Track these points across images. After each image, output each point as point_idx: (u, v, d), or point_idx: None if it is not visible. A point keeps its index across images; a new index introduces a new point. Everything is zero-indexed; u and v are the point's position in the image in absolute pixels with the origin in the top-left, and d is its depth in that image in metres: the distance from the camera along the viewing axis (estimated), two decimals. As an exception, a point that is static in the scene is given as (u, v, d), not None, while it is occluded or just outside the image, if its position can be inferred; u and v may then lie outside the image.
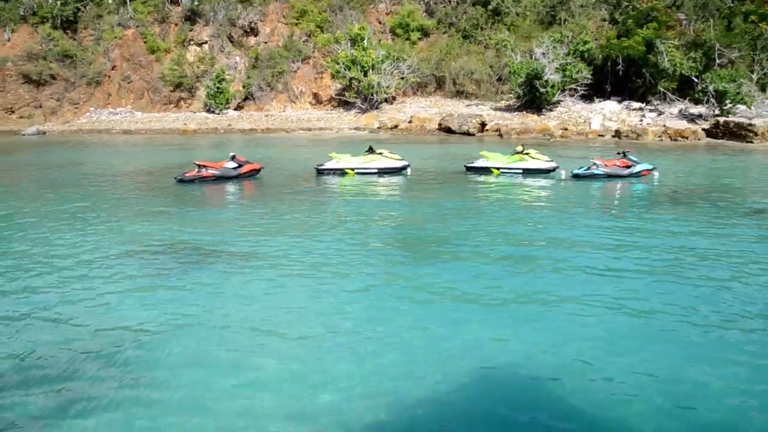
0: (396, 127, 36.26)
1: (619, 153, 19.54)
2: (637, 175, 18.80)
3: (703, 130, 31.08)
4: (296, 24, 46.16)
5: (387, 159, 19.52)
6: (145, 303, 8.42)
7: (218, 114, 43.15)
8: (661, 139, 30.74)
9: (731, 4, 37.54)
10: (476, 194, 16.67)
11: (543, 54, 34.75)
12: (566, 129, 32.58)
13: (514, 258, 10.23)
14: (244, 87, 44.87)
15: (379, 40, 41.60)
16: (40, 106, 46.70)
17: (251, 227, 12.54)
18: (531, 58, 35.78)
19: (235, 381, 6.37)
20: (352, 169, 19.52)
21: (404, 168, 19.61)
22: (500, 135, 32.68)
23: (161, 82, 46.22)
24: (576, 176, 18.90)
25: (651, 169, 19.04)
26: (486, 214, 13.69)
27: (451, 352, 6.90)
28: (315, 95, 44.15)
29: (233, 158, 18.88)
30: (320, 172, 19.82)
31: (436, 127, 35.32)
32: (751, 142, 29.12)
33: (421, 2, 45.88)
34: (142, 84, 47.35)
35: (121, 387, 6.24)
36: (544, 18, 42.31)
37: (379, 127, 36.62)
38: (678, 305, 8.03)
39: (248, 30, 46.71)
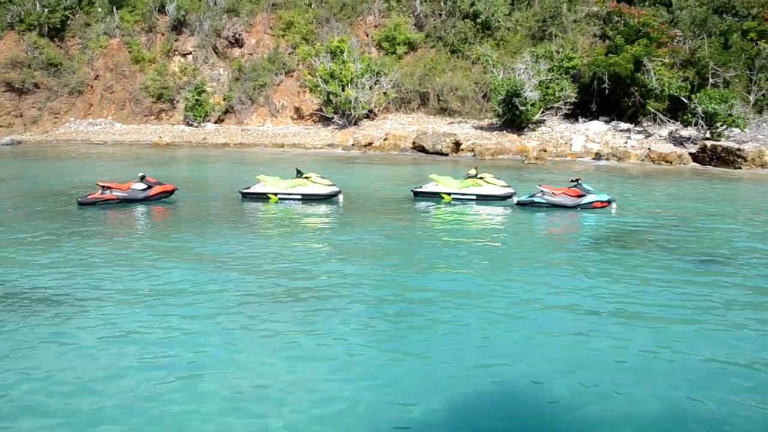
0: (370, 144, 34.62)
1: (573, 180, 17.64)
2: (588, 206, 16.90)
3: (690, 154, 29.03)
4: (282, 36, 44.86)
5: (314, 184, 17.82)
6: None
7: (196, 127, 41.94)
8: (644, 163, 28.75)
9: (730, 21, 35.40)
10: (415, 226, 14.83)
11: (524, 70, 32.90)
12: (545, 150, 30.67)
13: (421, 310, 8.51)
14: (225, 99, 43.63)
15: (362, 53, 40.02)
16: (21, 115, 45.78)
17: (120, 264, 10.89)
18: (515, 74, 33.95)
19: None
20: (275, 194, 17.89)
21: (335, 195, 17.87)
22: (474, 155, 30.93)
23: (143, 93, 45.20)
24: (519, 204, 17.14)
25: (607, 201, 17.11)
26: (417, 251, 11.95)
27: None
28: (297, 110, 42.72)
29: (142, 179, 17.35)
30: (244, 196, 18.25)
31: (411, 145, 33.60)
32: (740, 168, 27.05)
33: (411, 15, 44.27)
34: (124, 94, 46.38)
35: None
36: (536, 33, 40.47)
37: (353, 145, 35.02)
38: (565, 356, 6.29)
39: (233, 41, 45.52)
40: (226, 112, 43.78)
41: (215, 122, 43.15)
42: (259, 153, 34.10)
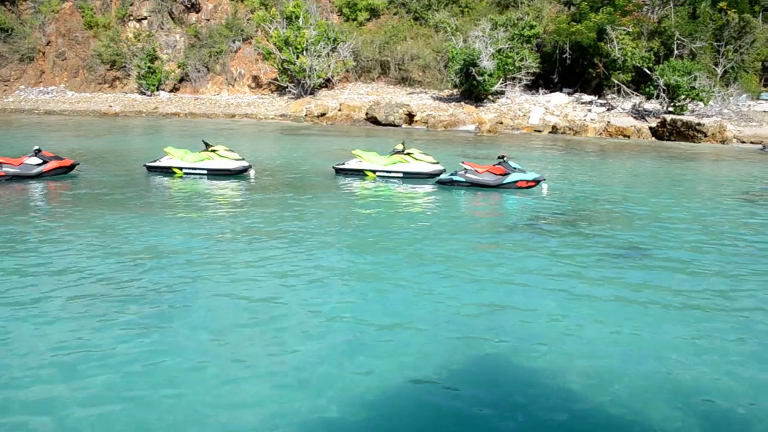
0: (323, 115, 33.19)
1: (499, 157, 16.37)
2: (511, 186, 15.66)
3: (650, 128, 27.85)
4: (241, 0, 43.04)
5: (221, 159, 16.53)
6: None
7: (149, 96, 40.31)
8: (601, 137, 27.57)
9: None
10: (328, 207, 13.43)
11: (481, 38, 31.40)
12: (501, 123, 29.40)
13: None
14: (180, 67, 41.93)
15: (320, 20, 38.29)
16: (-31, 83, 44.05)
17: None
18: (472, 43, 32.47)
19: None
20: (180, 169, 16.62)
21: (244, 170, 16.59)
22: (428, 127, 29.65)
23: (96, 60, 43.41)
24: (439, 183, 15.95)
25: (534, 181, 15.81)
26: (323, 235, 10.75)
27: None
28: (255, 78, 41.12)
29: (37, 153, 15.99)
30: (150, 169, 16.96)
31: (364, 116, 32.20)
32: (699, 143, 25.94)
33: (375, -20, 42.49)
34: (77, 61, 44.57)
35: None
36: (502, 0, 38.91)
37: (305, 115, 33.59)
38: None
39: (190, 6, 43.64)
40: (182, 80, 42.13)
41: (170, 91, 41.56)
42: (208, 123, 32.66)
